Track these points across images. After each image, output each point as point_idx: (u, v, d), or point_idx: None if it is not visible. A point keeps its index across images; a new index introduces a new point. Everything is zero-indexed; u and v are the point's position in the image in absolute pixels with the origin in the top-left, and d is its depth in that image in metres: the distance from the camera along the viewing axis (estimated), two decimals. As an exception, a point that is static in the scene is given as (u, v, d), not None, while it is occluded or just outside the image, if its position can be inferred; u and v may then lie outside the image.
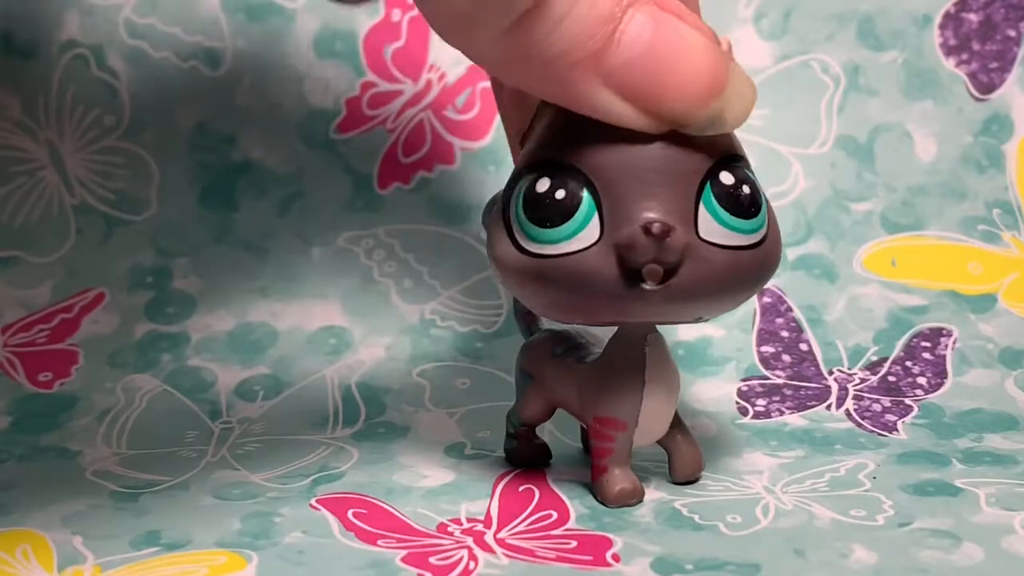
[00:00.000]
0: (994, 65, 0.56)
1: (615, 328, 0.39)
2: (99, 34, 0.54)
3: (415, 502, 0.40)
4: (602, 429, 0.39)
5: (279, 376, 0.50)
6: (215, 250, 0.53)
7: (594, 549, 0.37)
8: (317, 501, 0.40)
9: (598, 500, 0.40)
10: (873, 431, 0.45)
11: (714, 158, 0.36)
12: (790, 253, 0.53)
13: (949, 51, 0.56)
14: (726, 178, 0.36)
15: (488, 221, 0.39)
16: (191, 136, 0.54)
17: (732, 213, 0.36)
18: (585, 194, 0.36)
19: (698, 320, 0.38)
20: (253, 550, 0.37)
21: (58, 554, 0.37)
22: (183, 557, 0.37)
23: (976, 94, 0.56)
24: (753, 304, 0.52)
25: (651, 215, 0.35)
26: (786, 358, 0.50)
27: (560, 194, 0.36)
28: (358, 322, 0.52)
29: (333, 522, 0.39)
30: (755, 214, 0.36)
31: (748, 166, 0.37)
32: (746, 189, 0.36)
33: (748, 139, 0.54)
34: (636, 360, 0.39)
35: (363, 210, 0.54)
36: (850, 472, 0.42)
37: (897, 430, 0.45)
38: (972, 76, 0.56)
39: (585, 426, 0.41)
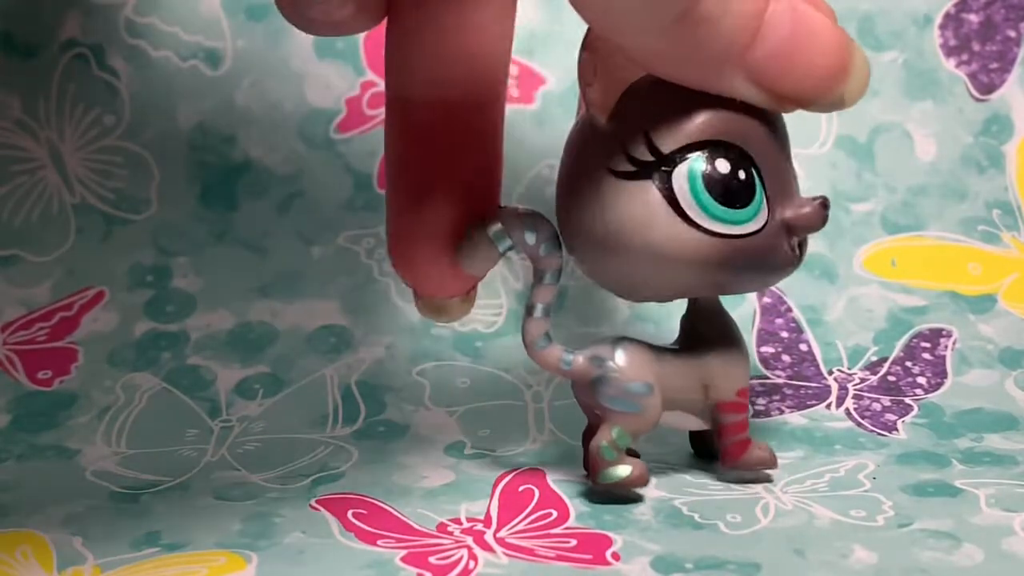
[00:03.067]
0: (994, 66, 0.56)
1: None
2: (99, 33, 0.54)
3: (415, 502, 0.40)
4: (744, 400, 0.40)
5: (279, 375, 0.50)
6: (215, 249, 0.53)
7: (594, 548, 0.37)
8: (317, 501, 0.40)
9: (748, 477, 0.41)
10: (873, 430, 0.45)
11: None
12: (790, 253, 0.53)
13: (949, 51, 0.56)
14: None
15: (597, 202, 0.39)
16: (191, 135, 0.54)
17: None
18: (756, 175, 0.38)
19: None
20: (253, 551, 0.37)
21: (58, 555, 0.37)
22: (183, 558, 0.37)
23: (976, 94, 0.56)
24: (753, 304, 0.52)
25: (810, 198, 0.39)
26: (786, 358, 0.50)
27: (742, 175, 0.38)
28: (358, 321, 0.52)
29: (333, 522, 0.39)
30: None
31: None
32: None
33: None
34: (732, 325, 0.41)
35: (363, 209, 0.54)
36: (850, 472, 0.42)
37: (897, 430, 0.45)
38: (972, 76, 0.56)
39: (699, 417, 0.41)
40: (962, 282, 0.53)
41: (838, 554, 0.37)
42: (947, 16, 0.56)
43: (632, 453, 0.41)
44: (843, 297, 0.52)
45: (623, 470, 0.39)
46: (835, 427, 0.45)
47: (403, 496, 0.41)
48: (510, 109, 0.55)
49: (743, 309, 0.52)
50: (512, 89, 0.55)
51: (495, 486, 0.41)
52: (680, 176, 0.37)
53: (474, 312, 0.51)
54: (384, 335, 0.51)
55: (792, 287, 0.52)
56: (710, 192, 0.37)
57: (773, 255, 0.38)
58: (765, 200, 0.38)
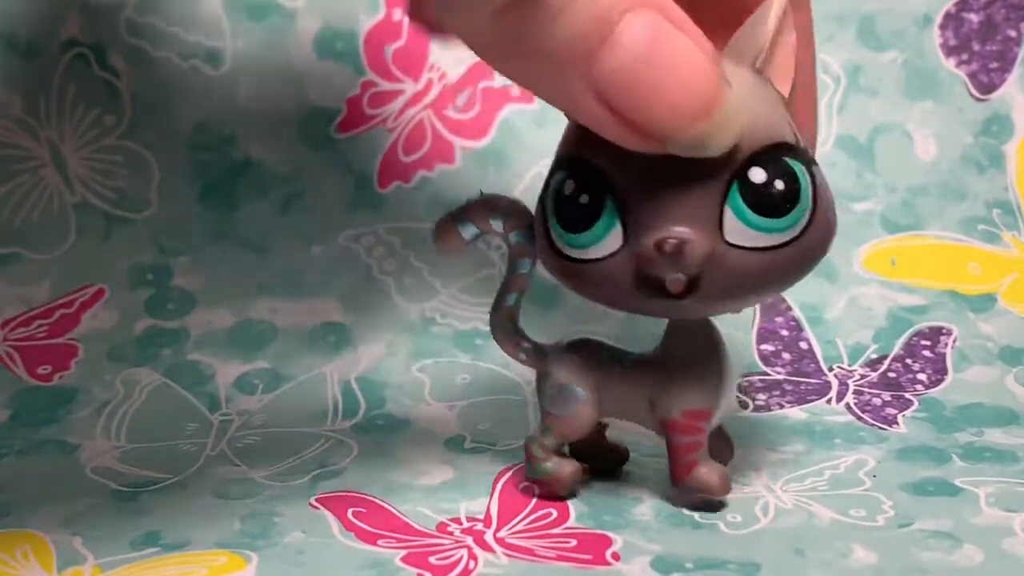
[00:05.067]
0: (994, 65, 0.56)
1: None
2: (100, 33, 0.54)
3: (415, 501, 0.40)
4: (693, 423, 0.38)
5: (278, 371, 0.50)
6: (215, 248, 0.53)
7: (594, 548, 0.37)
8: (317, 500, 0.40)
9: (698, 496, 0.39)
10: (873, 424, 0.45)
11: (744, 154, 0.34)
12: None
13: (949, 51, 0.56)
14: (757, 175, 0.34)
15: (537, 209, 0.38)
16: (191, 135, 0.54)
17: (761, 213, 0.34)
18: (608, 200, 0.35)
19: (735, 312, 0.38)
20: (253, 550, 0.37)
21: (58, 555, 0.37)
22: (183, 558, 0.37)
23: (976, 94, 0.56)
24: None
25: (665, 232, 0.34)
26: (786, 355, 0.50)
27: (584, 199, 0.35)
28: (358, 319, 0.52)
29: (333, 522, 0.39)
30: (790, 210, 0.35)
31: (796, 151, 0.35)
32: (780, 185, 0.34)
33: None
34: (708, 344, 0.38)
35: (363, 209, 0.54)
36: (850, 469, 0.42)
37: (897, 423, 0.45)
38: (972, 76, 0.56)
39: (651, 429, 0.39)
40: (962, 281, 0.53)
41: (838, 554, 0.37)
42: (947, 16, 0.56)
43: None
44: (843, 296, 0.52)
45: (545, 469, 0.40)
46: (835, 421, 0.45)
47: (403, 494, 0.41)
48: (510, 109, 0.55)
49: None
50: (513, 88, 0.55)
51: (495, 484, 0.41)
52: (549, 193, 0.37)
53: (474, 311, 0.51)
54: (384, 333, 0.51)
55: (793, 286, 0.52)
56: (555, 212, 0.36)
57: (617, 286, 0.35)
58: (622, 228, 0.35)
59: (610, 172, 0.35)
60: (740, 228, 0.34)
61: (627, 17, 0.32)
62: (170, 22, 0.55)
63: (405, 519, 0.39)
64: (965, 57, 0.56)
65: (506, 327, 0.41)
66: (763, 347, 0.50)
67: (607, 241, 0.35)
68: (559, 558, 0.37)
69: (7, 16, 0.54)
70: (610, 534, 0.38)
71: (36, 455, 0.44)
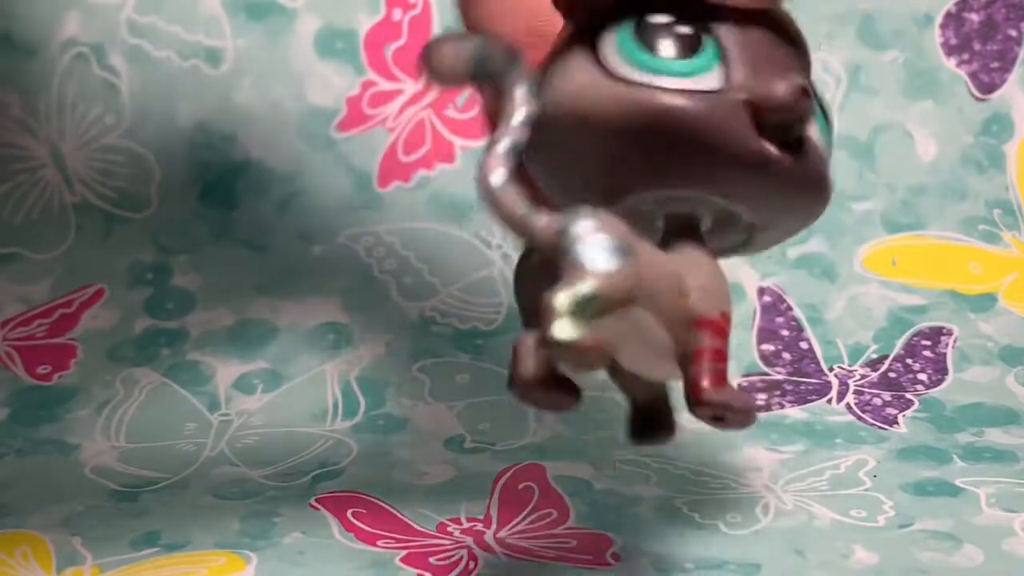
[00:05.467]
0: (995, 65, 0.56)
1: None
2: (100, 33, 0.54)
3: (415, 501, 0.40)
4: (727, 327, 0.32)
5: (278, 371, 0.50)
6: (215, 248, 0.53)
7: (594, 548, 0.37)
8: (317, 500, 0.40)
9: (729, 414, 0.31)
10: (874, 424, 0.45)
11: (810, 64, 0.33)
12: (790, 252, 0.53)
13: (950, 51, 0.56)
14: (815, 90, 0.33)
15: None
16: (191, 134, 0.54)
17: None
18: (709, 40, 0.31)
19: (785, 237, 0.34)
20: (252, 551, 0.37)
21: (57, 555, 0.37)
22: (182, 558, 0.37)
23: (977, 94, 0.56)
24: (753, 303, 0.52)
25: (788, 80, 0.31)
26: (786, 355, 0.50)
27: (683, 30, 0.31)
28: (358, 319, 0.52)
29: (333, 522, 0.39)
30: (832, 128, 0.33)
31: None
32: (825, 104, 0.33)
33: (749, 138, 0.54)
34: (705, 246, 0.33)
35: (363, 208, 0.54)
36: (850, 469, 0.42)
37: (897, 423, 0.45)
38: (973, 76, 0.56)
39: (667, 330, 0.31)
40: (962, 281, 0.53)
41: (838, 554, 0.37)
42: (948, 15, 0.56)
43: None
44: (843, 296, 0.52)
45: (574, 330, 0.28)
46: (836, 421, 0.46)
47: (403, 494, 0.41)
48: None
49: (743, 308, 0.52)
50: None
51: (495, 484, 0.41)
52: (616, 30, 0.31)
53: (474, 311, 0.51)
54: (384, 332, 0.51)
55: (792, 286, 0.52)
56: (636, 34, 0.31)
57: (722, 130, 0.30)
58: (723, 73, 0.31)
59: (709, 19, 0.31)
60: (815, 132, 0.32)
61: None
62: (170, 22, 0.55)
63: (405, 519, 0.39)
64: (966, 57, 0.56)
65: (502, 184, 0.30)
66: (763, 347, 0.50)
67: (708, 76, 0.31)
68: (559, 558, 0.37)
69: (7, 16, 0.54)
70: (610, 534, 0.38)
71: (35, 455, 0.44)
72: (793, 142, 0.31)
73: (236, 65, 0.55)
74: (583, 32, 0.32)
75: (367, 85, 0.55)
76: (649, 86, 0.30)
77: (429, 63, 0.31)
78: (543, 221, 0.29)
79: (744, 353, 0.50)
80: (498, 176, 0.30)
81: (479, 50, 0.31)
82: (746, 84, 0.30)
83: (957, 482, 0.41)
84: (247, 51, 0.55)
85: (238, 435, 0.45)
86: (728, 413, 0.31)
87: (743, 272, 0.53)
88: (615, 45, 0.31)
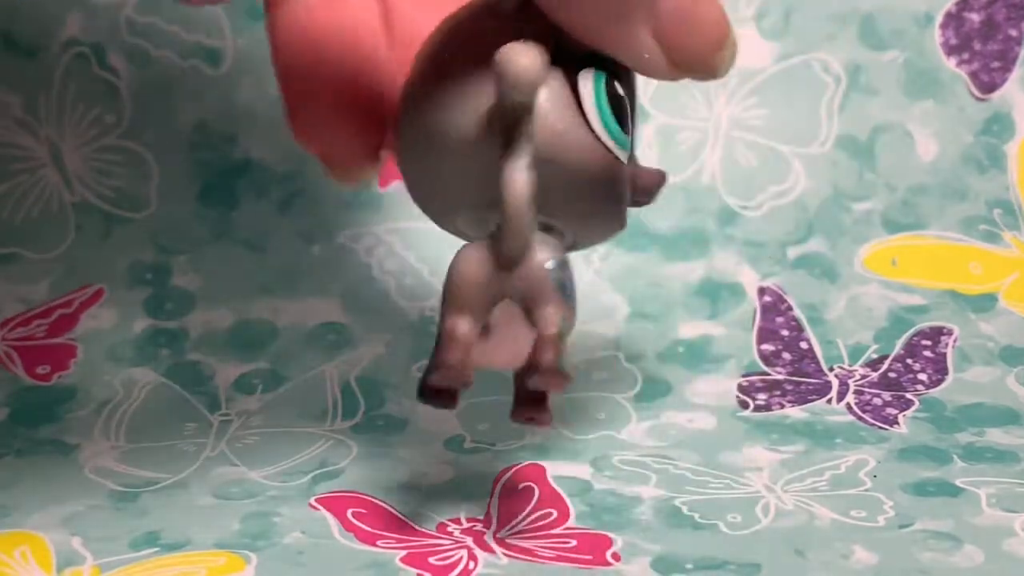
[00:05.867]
0: (995, 65, 0.56)
1: None
2: (100, 33, 0.54)
3: (415, 501, 0.40)
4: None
5: (278, 371, 0.50)
6: (215, 248, 0.53)
7: (594, 548, 0.37)
8: (316, 500, 0.40)
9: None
10: (874, 424, 0.45)
11: None
12: (790, 252, 0.53)
13: (950, 51, 0.56)
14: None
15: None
16: (191, 134, 0.54)
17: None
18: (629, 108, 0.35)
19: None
20: (252, 551, 0.37)
21: (57, 555, 0.37)
22: (182, 558, 0.37)
23: (977, 94, 0.56)
24: (753, 303, 0.52)
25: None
26: (786, 355, 0.50)
27: (624, 101, 0.35)
28: (358, 319, 0.52)
29: (332, 522, 0.39)
30: None
31: None
32: None
33: (748, 138, 0.54)
34: None
35: (363, 208, 0.54)
36: (851, 470, 0.42)
37: (898, 423, 0.45)
38: (973, 76, 0.56)
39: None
40: (963, 281, 0.53)
41: (838, 554, 0.37)
42: (948, 15, 0.56)
43: None
44: (843, 296, 0.52)
45: (566, 363, 0.33)
46: (836, 421, 0.45)
47: (403, 494, 0.41)
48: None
49: (743, 307, 0.52)
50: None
51: (495, 484, 0.41)
52: (594, 88, 0.34)
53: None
54: (384, 332, 0.51)
55: (792, 286, 0.52)
56: (612, 111, 0.34)
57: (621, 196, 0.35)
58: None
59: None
60: None
61: None
62: (170, 22, 0.55)
63: (405, 519, 0.39)
64: (966, 56, 0.56)
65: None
66: (763, 347, 0.50)
67: (627, 146, 0.35)
68: (559, 558, 0.37)
69: (7, 15, 0.54)
70: (610, 534, 0.38)
71: (35, 455, 0.44)
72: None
73: (236, 65, 0.55)
74: (561, 60, 0.33)
75: (367, 85, 0.55)
76: (609, 151, 0.33)
77: (509, 76, 0.31)
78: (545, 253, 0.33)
79: (744, 353, 0.50)
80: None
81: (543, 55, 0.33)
82: (633, 158, 0.36)
83: (957, 482, 0.41)
84: (247, 51, 0.55)
85: (238, 435, 0.45)
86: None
87: (743, 272, 0.53)
88: (593, 103, 0.33)
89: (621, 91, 0.34)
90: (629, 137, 0.35)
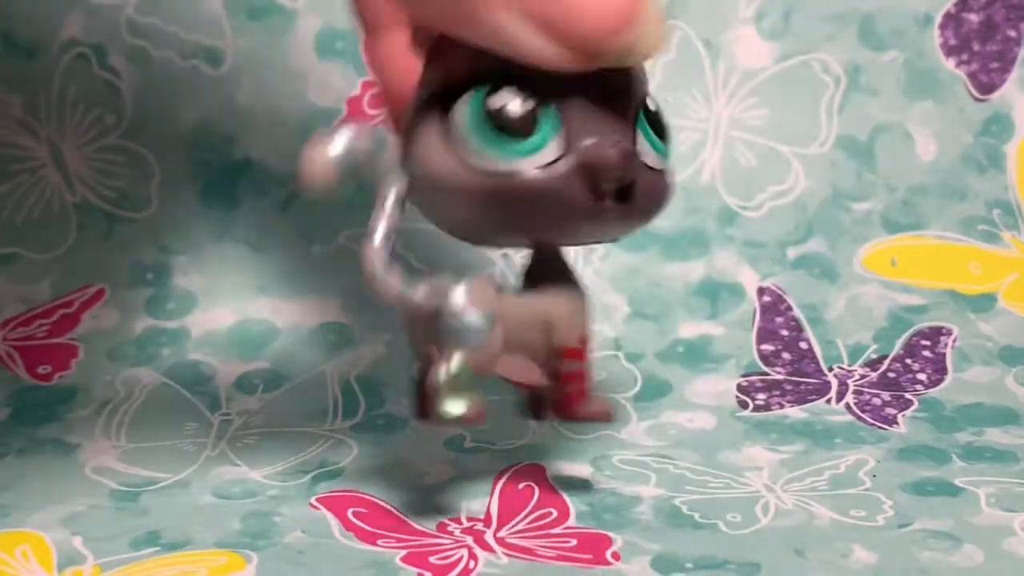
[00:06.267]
0: (994, 65, 0.56)
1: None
2: (100, 33, 0.54)
3: (415, 501, 0.40)
4: (584, 348, 0.38)
5: (279, 370, 0.50)
6: (215, 248, 0.53)
7: (594, 547, 0.37)
8: (317, 500, 0.40)
9: (593, 421, 0.38)
10: (873, 424, 0.45)
11: (645, 83, 0.36)
12: (790, 252, 0.53)
13: (950, 51, 0.56)
14: (651, 104, 0.36)
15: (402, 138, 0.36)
16: (192, 134, 0.54)
17: (659, 137, 0.36)
18: (547, 109, 0.34)
19: (612, 241, 0.38)
20: (253, 550, 0.37)
21: (58, 555, 0.37)
22: (183, 557, 0.37)
23: (976, 94, 0.56)
24: (753, 303, 0.52)
25: (616, 136, 0.34)
26: (786, 355, 0.50)
27: (518, 108, 0.34)
28: (358, 319, 0.52)
29: (333, 522, 0.39)
30: (668, 141, 0.36)
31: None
32: (661, 114, 0.36)
33: (748, 139, 0.54)
34: (568, 270, 0.38)
35: (363, 208, 0.54)
36: (850, 469, 0.42)
37: (897, 423, 0.45)
38: (972, 76, 0.56)
39: (540, 359, 0.38)
40: (962, 281, 0.53)
41: (838, 554, 0.37)
42: (947, 16, 0.56)
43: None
44: (843, 296, 0.52)
45: (459, 406, 0.36)
46: (835, 421, 0.46)
47: (403, 494, 0.41)
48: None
49: (743, 308, 0.52)
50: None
51: (495, 484, 0.41)
52: (463, 108, 0.35)
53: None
54: (384, 332, 0.51)
55: (792, 286, 0.52)
56: (481, 122, 0.34)
57: (560, 197, 0.34)
58: (562, 139, 0.34)
59: (544, 86, 0.34)
60: (647, 148, 0.35)
61: None
62: (170, 22, 0.55)
63: (405, 519, 0.39)
64: (965, 57, 0.56)
65: (381, 272, 0.37)
66: (763, 347, 0.50)
67: (547, 149, 0.34)
68: (559, 558, 0.37)
69: (7, 16, 0.54)
70: (610, 534, 0.38)
71: (36, 455, 0.44)
72: (624, 189, 0.35)
73: (236, 65, 0.55)
74: (435, 98, 0.35)
75: (367, 86, 0.55)
76: (496, 171, 0.34)
77: (302, 176, 0.36)
78: (420, 294, 0.36)
79: (744, 353, 0.50)
80: (378, 264, 0.37)
81: (345, 149, 0.36)
82: (581, 149, 0.34)
83: (957, 482, 0.41)
84: (247, 51, 0.55)
85: (238, 435, 0.45)
86: (599, 419, 0.38)
87: (743, 272, 0.53)
88: (467, 124, 0.34)
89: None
90: (533, 137, 0.34)
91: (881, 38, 0.56)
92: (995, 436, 0.44)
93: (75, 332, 0.51)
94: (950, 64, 0.56)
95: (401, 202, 0.37)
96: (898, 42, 0.56)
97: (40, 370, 0.49)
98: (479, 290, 0.36)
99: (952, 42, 0.56)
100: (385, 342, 0.51)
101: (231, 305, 0.52)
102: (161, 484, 0.42)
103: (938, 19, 0.56)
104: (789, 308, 0.52)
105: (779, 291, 0.52)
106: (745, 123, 0.55)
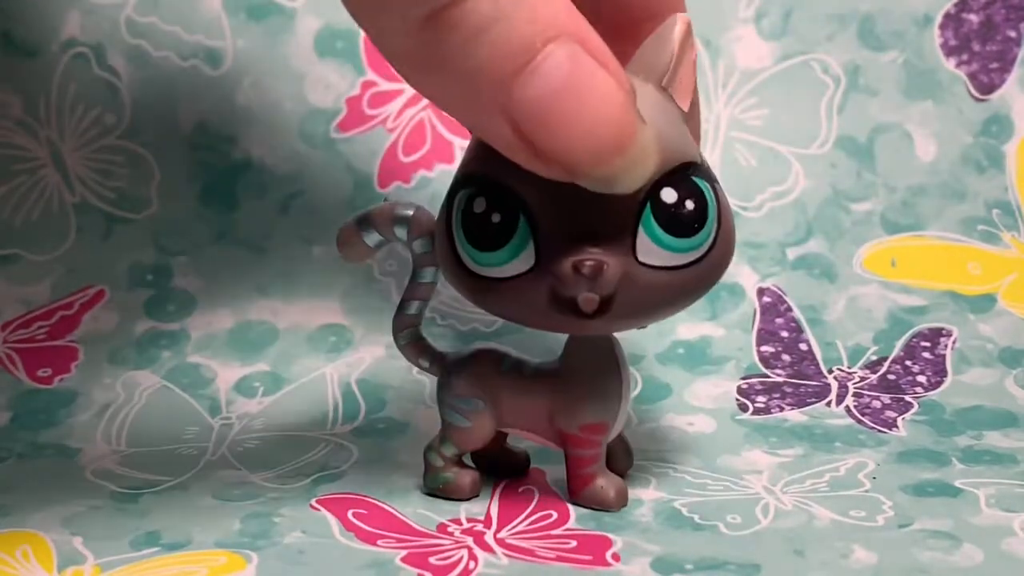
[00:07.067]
0: (994, 65, 0.56)
1: None
2: (100, 33, 0.54)
3: (415, 502, 0.40)
4: (589, 436, 0.39)
5: (279, 373, 0.50)
6: (215, 249, 0.53)
7: (594, 549, 0.37)
8: (317, 501, 0.40)
9: (594, 508, 0.39)
10: (873, 427, 0.45)
11: (656, 175, 0.34)
12: (790, 253, 0.53)
13: (949, 51, 0.56)
14: (668, 195, 0.34)
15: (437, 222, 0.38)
16: (191, 135, 0.54)
17: (673, 233, 0.35)
18: (520, 219, 0.35)
19: (640, 328, 0.38)
20: (253, 550, 0.37)
21: (58, 555, 0.37)
22: (183, 557, 0.37)
23: (976, 94, 0.56)
24: (753, 304, 0.52)
25: (582, 254, 0.34)
26: (786, 357, 0.50)
27: (496, 217, 0.35)
28: (358, 321, 0.52)
29: (333, 522, 0.39)
30: (699, 229, 0.35)
31: (701, 169, 0.35)
32: (690, 205, 0.35)
33: (748, 139, 0.54)
34: (609, 359, 0.38)
35: (363, 209, 0.54)
36: (850, 472, 0.42)
37: (897, 427, 0.45)
38: (972, 76, 0.56)
39: (551, 442, 0.40)
40: (962, 282, 0.53)
41: (838, 554, 0.37)
42: (947, 16, 0.56)
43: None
44: (843, 297, 0.52)
45: (443, 478, 0.40)
46: (835, 424, 0.45)
47: (403, 496, 0.41)
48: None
49: (743, 308, 0.52)
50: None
51: (495, 486, 0.41)
52: (454, 209, 0.36)
53: (475, 313, 0.51)
54: (384, 335, 0.51)
55: (792, 287, 0.52)
56: (463, 229, 0.36)
57: (529, 306, 0.36)
58: (535, 248, 0.35)
59: (522, 191, 0.35)
60: (653, 248, 0.35)
61: (549, 46, 0.31)
62: (170, 22, 0.55)
63: (405, 520, 0.39)
64: (965, 57, 0.56)
65: (409, 335, 0.41)
66: (763, 349, 0.50)
67: (519, 261, 0.35)
68: (559, 559, 0.37)
69: (7, 16, 0.54)
70: (610, 535, 0.38)
71: (36, 458, 0.44)
72: (606, 299, 0.35)
73: (236, 65, 0.55)
74: (458, 183, 0.37)
75: (367, 85, 0.55)
76: (473, 271, 0.36)
77: (342, 253, 0.40)
78: (435, 370, 0.41)
79: (744, 355, 0.50)
80: (404, 336, 0.41)
81: (379, 235, 0.39)
82: (552, 261, 0.35)
83: (956, 483, 0.41)
84: (247, 51, 0.55)
85: (239, 439, 0.45)
86: (598, 506, 0.39)
87: (743, 273, 0.53)
88: (455, 220, 0.36)
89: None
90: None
91: (881, 38, 0.56)
92: (995, 439, 0.44)
93: (75, 334, 0.51)
94: (950, 64, 0.56)
95: (435, 279, 0.40)
96: (898, 42, 0.56)
97: (40, 373, 0.49)
98: (475, 371, 0.40)
99: (952, 42, 0.56)
100: (386, 345, 0.51)
101: (231, 306, 0.52)
102: (161, 487, 0.42)
103: (938, 19, 0.56)
104: (789, 309, 0.52)
105: (779, 292, 0.52)
106: (745, 123, 0.55)
